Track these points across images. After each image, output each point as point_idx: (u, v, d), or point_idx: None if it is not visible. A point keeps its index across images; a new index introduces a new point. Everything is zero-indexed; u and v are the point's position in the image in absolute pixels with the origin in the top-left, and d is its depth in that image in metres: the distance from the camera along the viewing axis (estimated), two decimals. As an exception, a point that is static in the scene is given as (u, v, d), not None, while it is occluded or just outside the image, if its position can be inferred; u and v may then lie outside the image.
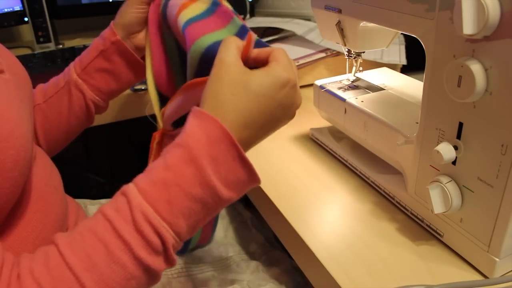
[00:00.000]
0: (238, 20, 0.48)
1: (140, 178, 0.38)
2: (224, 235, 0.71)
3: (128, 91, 0.85)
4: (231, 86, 0.38)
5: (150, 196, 0.36)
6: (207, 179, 0.37)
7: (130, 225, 0.35)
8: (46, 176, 0.50)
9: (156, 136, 0.56)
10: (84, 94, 0.63)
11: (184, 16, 0.48)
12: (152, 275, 0.37)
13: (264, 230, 0.73)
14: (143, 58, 0.61)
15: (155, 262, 0.36)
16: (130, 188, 0.37)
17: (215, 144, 0.37)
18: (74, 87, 0.63)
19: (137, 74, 0.65)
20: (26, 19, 1.10)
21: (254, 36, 0.42)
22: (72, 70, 0.63)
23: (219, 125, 0.37)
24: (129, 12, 0.62)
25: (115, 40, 0.62)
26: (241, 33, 0.46)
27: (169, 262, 0.38)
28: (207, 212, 0.38)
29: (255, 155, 0.69)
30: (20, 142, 0.39)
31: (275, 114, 0.40)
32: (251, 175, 0.39)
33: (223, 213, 0.74)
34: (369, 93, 0.64)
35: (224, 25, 0.48)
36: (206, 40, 0.44)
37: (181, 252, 0.63)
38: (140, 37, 0.64)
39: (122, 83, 0.65)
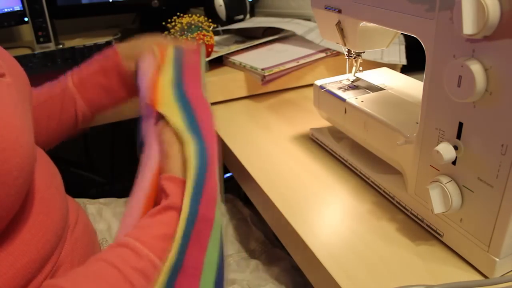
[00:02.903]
0: None
1: (139, 234, 0.45)
2: (224, 232, 0.71)
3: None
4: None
5: (155, 249, 0.43)
6: None
7: (137, 272, 0.41)
8: (47, 178, 0.51)
9: None
10: (75, 103, 0.65)
11: None
12: None
13: (263, 227, 0.73)
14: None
15: None
16: (130, 241, 0.43)
17: None
18: (68, 95, 0.64)
19: (130, 94, 0.68)
20: (26, 19, 1.10)
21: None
22: (69, 78, 0.65)
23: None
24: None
25: (116, 60, 0.63)
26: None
27: None
28: None
29: (256, 155, 0.69)
30: (25, 150, 0.39)
31: None
32: None
33: (222, 211, 0.74)
34: (369, 93, 0.64)
35: None
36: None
37: None
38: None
39: (114, 101, 0.68)
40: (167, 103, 0.55)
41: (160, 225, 0.45)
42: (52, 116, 0.65)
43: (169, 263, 0.43)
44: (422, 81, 0.47)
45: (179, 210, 0.46)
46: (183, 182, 0.48)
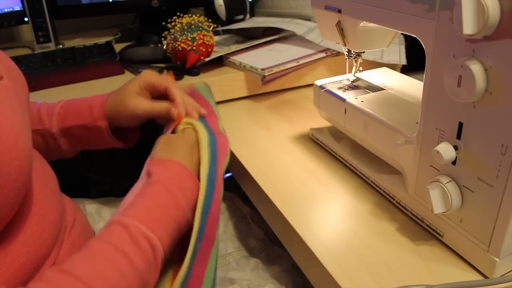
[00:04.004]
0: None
1: (122, 211, 0.46)
2: (223, 230, 0.71)
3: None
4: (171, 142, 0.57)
5: (139, 217, 0.45)
6: (180, 202, 0.49)
7: (126, 240, 0.43)
8: (42, 179, 0.51)
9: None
10: (59, 144, 0.66)
11: None
12: (142, 278, 0.43)
13: (263, 225, 0.73)
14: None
15: (146, 268, 0.43)
16: (115, 218, 0.45)
17: (180, 176, 0.51)
18: (51, 136, 0.65)
19: (108, 146, 0.69)
20: (26, 19, 1.10)
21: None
22: (54, 122, 0.65)
23: (180, 164, 0.52)
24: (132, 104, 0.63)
25: (102, 126, 0.64)
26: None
27: (157, 270, 0.45)
28: (177, 227, 0.48)
29: (255, 155, 0.69)
30: (24, 152, 0.40)
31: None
32: (198, 187, 0.52)
33: (222, 208, 0.74)
34: (369, 93, 0.64)
35: None
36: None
37: None
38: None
39: (95, 147, 0.69)
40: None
41: (142, 198, 0.48)
42: (39, 148, 0.66)
43: (181, 274, 0.46)
44: (422, 81, 0.47)
45: (160, 183, 0.49)
46: (167, 161, 0.52)
